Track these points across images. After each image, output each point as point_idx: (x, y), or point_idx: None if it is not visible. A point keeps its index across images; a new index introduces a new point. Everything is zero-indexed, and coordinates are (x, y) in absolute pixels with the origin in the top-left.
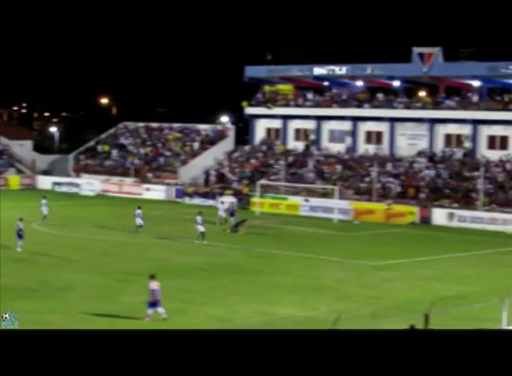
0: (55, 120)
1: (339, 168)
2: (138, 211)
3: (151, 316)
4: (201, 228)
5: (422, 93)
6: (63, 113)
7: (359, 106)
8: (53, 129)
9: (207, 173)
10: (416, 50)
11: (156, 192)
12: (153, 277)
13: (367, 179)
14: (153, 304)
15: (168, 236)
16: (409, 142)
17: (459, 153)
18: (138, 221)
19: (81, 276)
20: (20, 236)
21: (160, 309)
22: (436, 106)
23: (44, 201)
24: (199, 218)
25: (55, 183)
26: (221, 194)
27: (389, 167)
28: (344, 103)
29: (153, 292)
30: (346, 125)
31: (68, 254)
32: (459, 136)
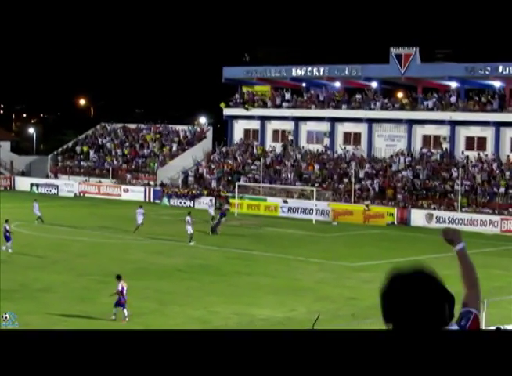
0: (33, 121)
1: (317, 168)
2: (140, 210)
3: (128, 316)
4: (190, 229)
5: (400, 94)
6: (41, 115)
7: (337, 107)
8: (31, 130)
9: (185, 174)
10: (394, 51)
11: (134, 193)
12: (119, 278)
13: (345, 180)
14: (122, 304)
15: (147, 237)
16: (387, 143)
17: (437, 154)
18: (139, 219)
19: (59, 277)
20: (8, 238)
21: (115, 310)
22: (414, 107)
23: (36, 204)
24: (188, 218)
25: (33, 184)
26: (200, 195)
27: (367, 168)
28: (321, 104)
29: (122, 292)
30: (324, 126)
31: (47, 255)
32: (437, 137)
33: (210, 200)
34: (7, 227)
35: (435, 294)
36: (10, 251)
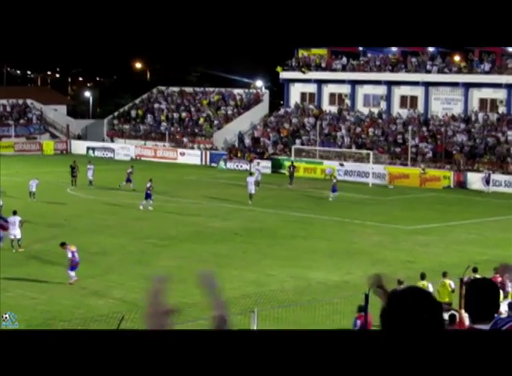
0: (89, 84)
1: (373, 132)
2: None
3: (74, 278)
4: (252, 189)
5: (456, 57)
6: (97, 78)
7: (394, 70)
8: (87, 94)
9: (241, 138)
10: None
11: (191, 156)
12: (64, 244)
13: (402, 144)
14: (73, 267)
15: (203, 200)
16: (444, 106)
17: (493, 117)
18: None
19: (116, 240)
20: (149, 196)
21: (73, 273)
22: (471, 70)
23: (91, 166)
24: (250, 178)
25: (89, 148)
26: (259, 158)
27: (424, 131)
28: (378, 68)
29: (73, 256)
30: (381, 90)
31: (103, 219)
32: (493, 100)
33: (258, 163)
34: (149, 185)
35: (431, 307)
36: (150, 208)
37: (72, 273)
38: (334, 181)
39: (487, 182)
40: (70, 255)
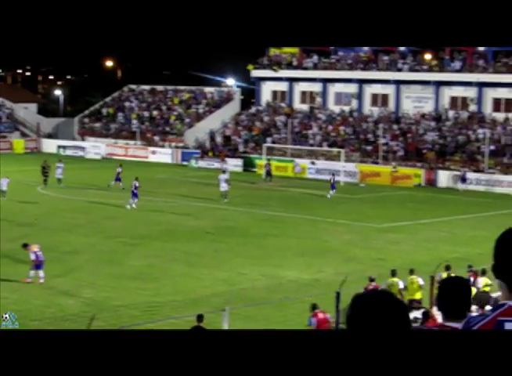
0: (59, 83)
1: (345, 130)
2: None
3: (44, 277)
4: (224, 187)
5: (427, 56)
6: (68, 76)
7: (365, 68)
8: (58, 92)
9: (212, 136)
10: None
11: (162, 155)
12: (26, 245)
13: (373, 142)
14: (38, 266)
15: (175, 199)
16: (415, 104)
17: (464, 116)
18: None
19: (87, 240)
20: (135, 195)
21: (41, 273)
22: (442, 68)
23: (60, 165)
24: (222, 176)
25: (60, 147)
26: (230, 157)
27: (395, 129)
28: (349, 66)
29: (37, 256)
30: (352, 88)
31: (74, 218)
32: (464, 99)
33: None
34: (136, 184)
35: (397, 309)
36: (134, 206)
37: (40, 273)
38: (333, 180)
39: (463, 180)
40: (33, 257)
